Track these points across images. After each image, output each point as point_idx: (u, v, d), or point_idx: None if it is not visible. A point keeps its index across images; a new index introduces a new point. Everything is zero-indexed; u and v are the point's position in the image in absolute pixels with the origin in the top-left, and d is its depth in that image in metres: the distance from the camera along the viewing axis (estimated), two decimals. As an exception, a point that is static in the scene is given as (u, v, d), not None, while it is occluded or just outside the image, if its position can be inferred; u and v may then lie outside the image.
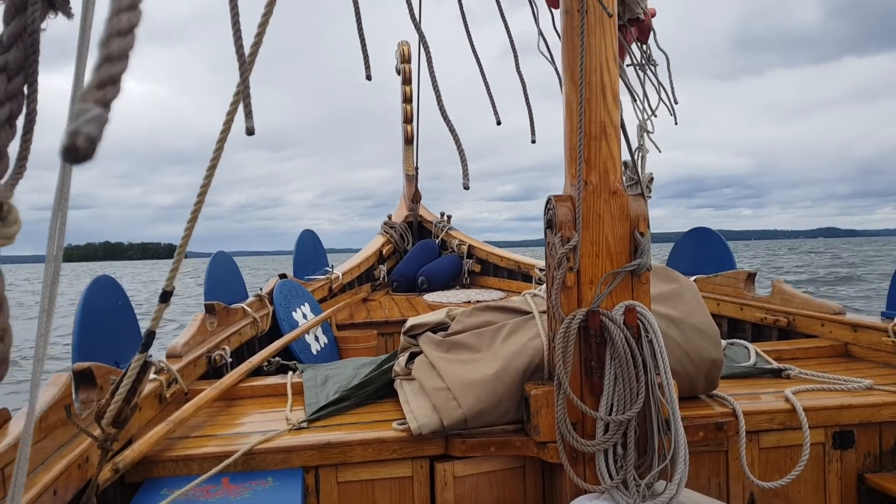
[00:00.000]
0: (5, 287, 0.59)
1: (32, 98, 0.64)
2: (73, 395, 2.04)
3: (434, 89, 1.38)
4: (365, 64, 1.23)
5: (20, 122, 0.62)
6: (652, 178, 4.46)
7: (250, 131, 1.00)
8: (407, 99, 7.82)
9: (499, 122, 2.00)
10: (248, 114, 0.96)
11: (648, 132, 4.37)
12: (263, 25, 1.10)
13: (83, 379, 2.07)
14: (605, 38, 2.10)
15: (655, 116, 4.27)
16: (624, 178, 4.41)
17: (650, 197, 4.43)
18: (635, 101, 3.98)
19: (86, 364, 2.06)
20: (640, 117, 4.30)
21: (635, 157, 4.38)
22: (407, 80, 7.79)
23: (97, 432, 1.49)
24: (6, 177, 0.61)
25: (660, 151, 4.44)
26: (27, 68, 0.63)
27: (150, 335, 1.38)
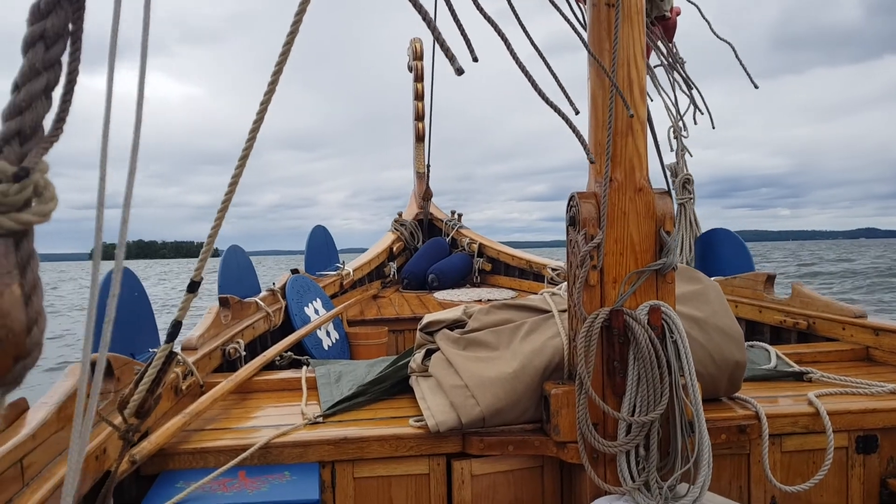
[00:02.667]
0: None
1: (75, 57, 0.62)
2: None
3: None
4: (468, 48, 1.21)
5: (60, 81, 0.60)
6: (690, 180, 4.43)
7: (459, 71, 1.00)
8: (418, 96, 7.80)
9: (577, 112, 1.96)
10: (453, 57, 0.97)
11: (682, 134, 4.34)
12: (297, 24, 1.10)
13: None
14: (633, 32, 2.07)
15: (694, 119, 4.24)
16: (671, 184, 4.39)
17: (692, 198, 4.40)
18: (665, 100, 3.95)
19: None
20: (673, 118, 4.27)
21: (677, 158, 4.35)
22: (419, 78, 7.77)
23: (118, 422, 1.47)
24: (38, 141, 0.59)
25: (691, 156, 4.41)
26: (71, 34, 0.61)
27: (177, 325, 1.37)
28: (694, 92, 4.11)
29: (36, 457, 1.54)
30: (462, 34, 1.22)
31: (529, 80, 1.51)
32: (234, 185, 1.29)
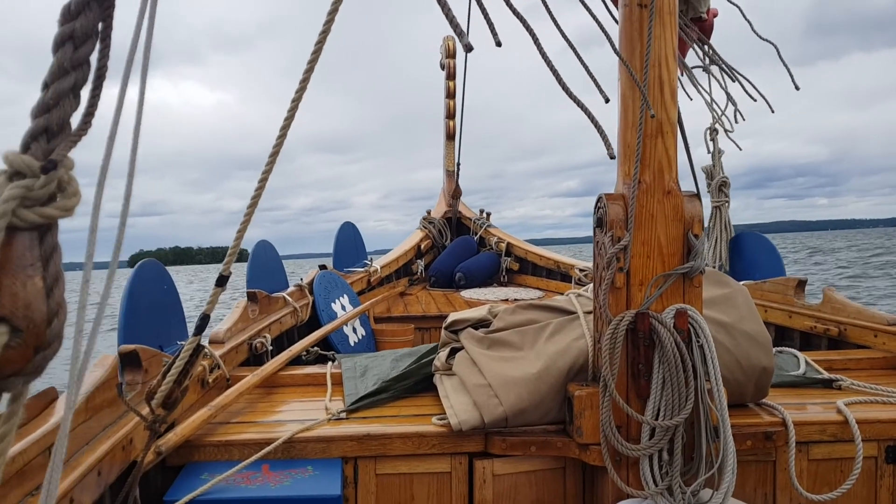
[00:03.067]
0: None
1: (104, 54, 0.63)
2: (119, 377, 2.06)
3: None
4: (492, 32, 1.22)
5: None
6: (727, 182, 4.37)
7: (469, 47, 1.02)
8: (450, 94, 7.81)
9: (607, 100, 1.95)
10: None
11: (728, 130, 4.27)
12: (329, 24, 1.11)
13: (129, 361, 2.08)
14: (665, 32, 2.06)
15: (739, 116, 4.18)
16: (707, 186, 4.33)
17: (727, 202, 4.34)
18: (706, 98, 3.90)
19: (131, 346, 2.07)
20: (714, 117, 4.22)
21: (713, 160, 4.29)
22: (451, 76, 7.78)
23: (146, 412, 1.50)
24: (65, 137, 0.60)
25: (740, 149, 4.36)
26: (101, 32, 0.62)
27: (205, 318, 1.39)
28: (740, 84, 4.05)
29: None
30: (485, 18, 1.22)
31: (554, 73, 1.50)
32: (262, 184, 1.31)
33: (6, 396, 0.58)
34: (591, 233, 2.23)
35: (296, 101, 1.23)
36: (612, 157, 1.78)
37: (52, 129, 0.58)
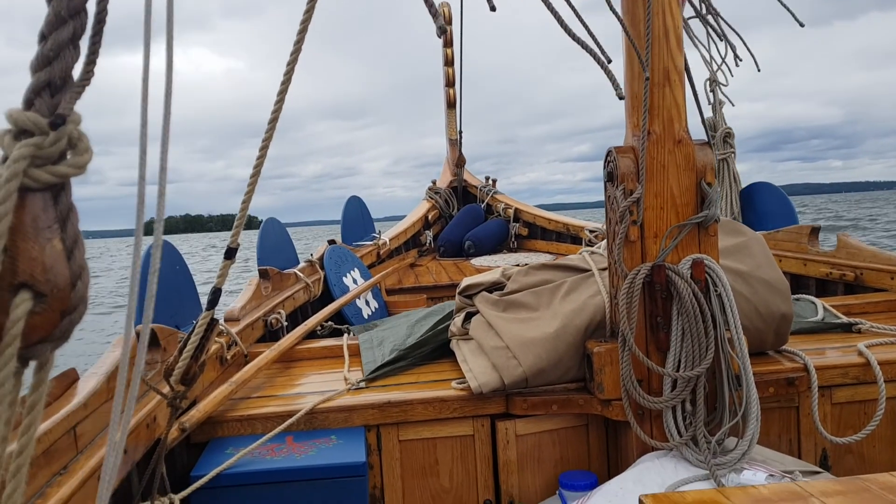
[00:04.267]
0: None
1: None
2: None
3: None
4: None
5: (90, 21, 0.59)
6: (731, 133, 4.32)
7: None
8: (448, 62, 7.73)
9: (609, 61, 1.91)
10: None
11: (721, 84, 4.22)
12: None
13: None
14: None
15: (736, 63, 4.11)
16: (711, 139, 4.30)
17: (733, 153, 4.30)
18: (702, 52, 3.84)
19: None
20: (710, 69, 4.16)
21: (714, 112, 4.24)
22: (448, 43, 7.69)
23: (166, 390, 1.50)
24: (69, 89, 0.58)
25: (733, 105, 4.30)
26: None
27: (217, 292, 1.38)
28: (734, 39, 3.98)
29: (88, 425, 1.57)
30: None
31: (560, 21, 1.47)
32: (263, 152, 1.30)
33: (32, 366, 0.57)
34: (602, 197, 2.20)
35: (289, 72, 1.21)
36: (621, 98, 1.75)
37: (55, 83, 0.55)
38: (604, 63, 1.61)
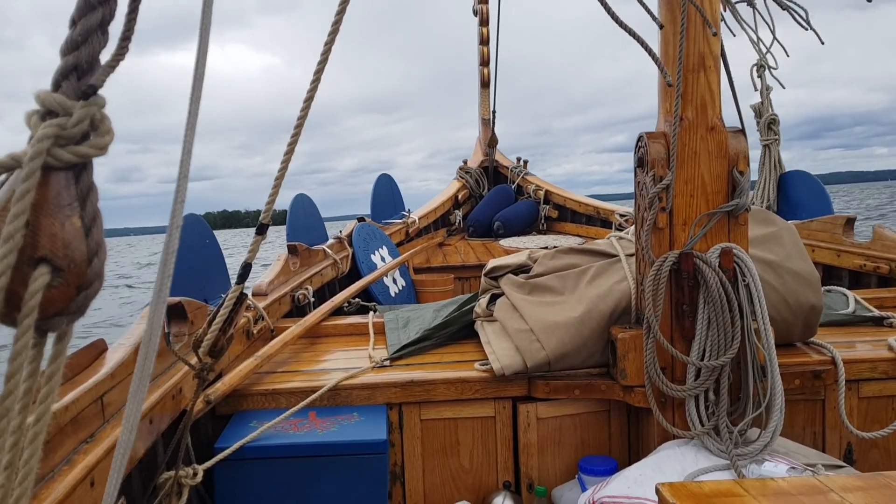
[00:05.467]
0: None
1: None
2: (166, 329, 2.10)
3: None
4: None
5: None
6: (776, 120, 4.24)
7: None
8: (484, 41, 7.67)
9: (661, 26, 1.89)
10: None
11: (771, 68, 4.13)
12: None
13: (175, 313, 2.12)
14: None
15: (785, 52, 4.02)
16: (756, 125, 4.21)
17: (777, 140, 4.22)
18: (749, 34, 3.76)
19: (177, 298, 2.11)
20: (759, 53, 4.07)
21: (762, 97, 4.16)
22: (484, 21, 7.63)
23: (194, 361, 1.52)
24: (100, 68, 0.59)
25: (783, 87, 4.21)
26: None
27: (247, 267, 1.40)
28: (790, 13, 3.88)
29: (115, 395, 1.61)
30: None
31: (607, 8, 1.45)
32: (293, 144, 1.30)
33: (51, 339, 0.58)
34: None
35: (321, 66, 1.21)
36: (670, 85, 1.72)
37: (83, 67, 0.57)
38: (651, 50, 1.59)
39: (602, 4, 1.45)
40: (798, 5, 3.84)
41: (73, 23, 0.58)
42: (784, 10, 3.72)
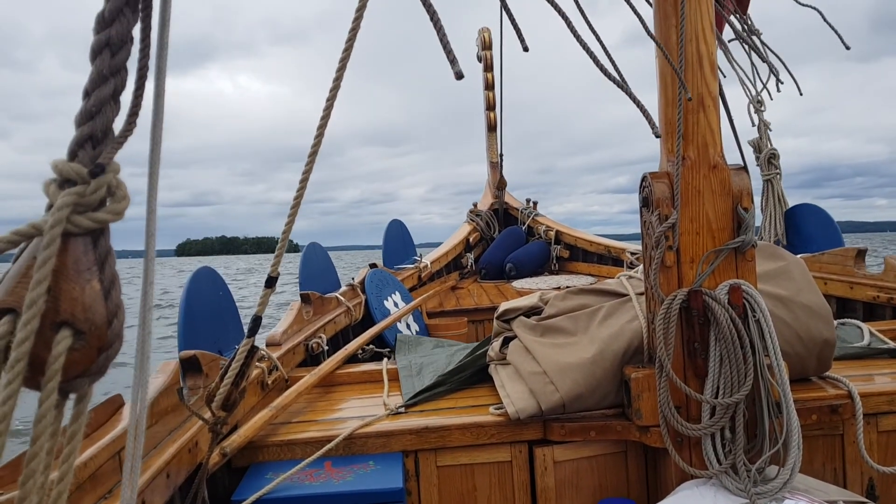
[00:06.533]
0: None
1: (145, 54, 0.65)
2: (181, 382, 2.12)
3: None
4: (519, 39, 1.21)
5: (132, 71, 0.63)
6: (776, 154, 4.27)
7: (459, 75, 1.00)
8: (489, 86, 7.79)
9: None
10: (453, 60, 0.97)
11: (759, 106, 4.18)
12: (358, 20, 1.12)
13: (189, 366, 2.14)
14: (701, 5, 2.02)
15: (778, 87, 4.08)
16: (756, 160, 4.24)
17: (779, 174, 4.25)
18: (741, 74, 3.81)
19: (191, 352, 2.13)
20: (752, 92, 4.13)
21: (760, 133, 4.20)
22: (488, 68, 7.76)
23: (207, 416, 1.54)
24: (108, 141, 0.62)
25: (770, 129, 4.25)
26: (140, 32, 0.64)
27: (257, 320, 1.42)
28: (773, 60, 3.94)
29: None
30: (512, 24, 1.22)
31: (595, 61, 1.49)
32: (303, 184, 1.33)
33: (73, 398, 0.61)
34: (639, 229, 2.20)
35: (330, 101, 1.24)
36: (658, 136, 1.75)
37: (97, 136, 0.60)
38: (639, 101, 1.63)
39: (593, 60, 1.49)
40: (777, 55, 3.90)
41: (87, 94, 0.61)
42: (763, 61, 3.78)
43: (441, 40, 0.94)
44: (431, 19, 0.96)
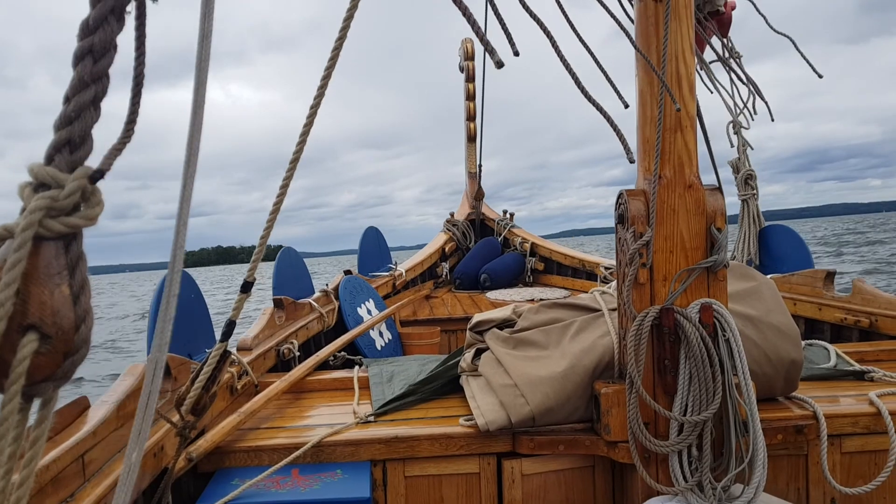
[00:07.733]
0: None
1: (140, 62, 0.65)
2: None
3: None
4: (510, 43, 1.23)
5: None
6: (753, 175, 4.33)
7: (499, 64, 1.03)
8: (470, 96, 7.82)
9: (626, 106, 1.97)
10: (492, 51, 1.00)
11: (743, 127, 4.24)
12: (348, 21, 1.13)
13: None
14: (682, 27, 2.05)
15: (753, 111, 4.15)
16: (734, 179, 4.30)
17: (755, 194, 4.31)
18: (724, 96, 3.87)
19: None
20: (734, 112, 4.19)
21: (739, 153, 4.27)
22: (470, 78, 7.79)
23: (176, 419, 1.52)
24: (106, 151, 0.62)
25: (751, 148, 4.32)
26: (136, 40, 0.64)
27: (231, 325, 1.41)
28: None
29: (96, 453, 1.60)
30: (503, 29, 1.23)
31: (573, 77, 1.50)
32: (284, 189, 1.33)
33: (37, 402, 0.60)
34: None
35: (314, 108, 1.24)
36: (632, 162, 1.78)
37: (75, 141, 0.59)
38: (616, 127, 1.65)
39: (575, 83, 1.51)
40: (753, 82, 3.97)
41: (67, 99, 0.61)
42: (745, 84, 3.85)
43: (476, 34, 0.98)
44: (464, 14, 0.99)
